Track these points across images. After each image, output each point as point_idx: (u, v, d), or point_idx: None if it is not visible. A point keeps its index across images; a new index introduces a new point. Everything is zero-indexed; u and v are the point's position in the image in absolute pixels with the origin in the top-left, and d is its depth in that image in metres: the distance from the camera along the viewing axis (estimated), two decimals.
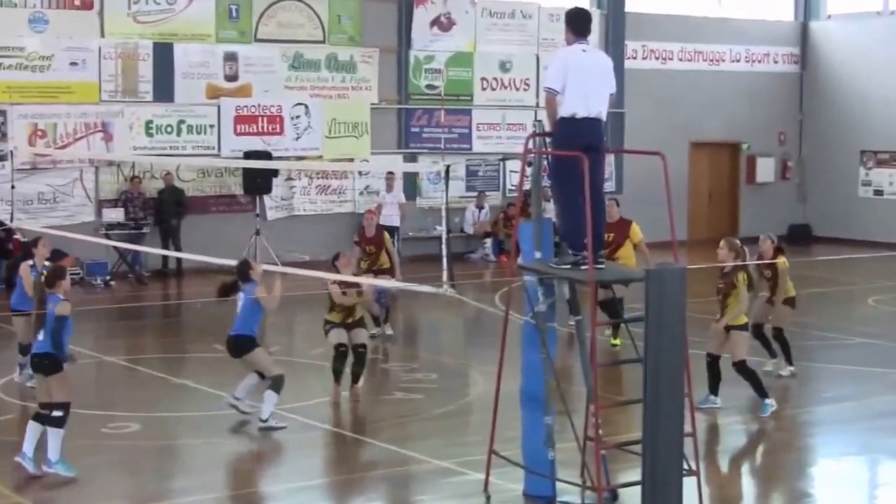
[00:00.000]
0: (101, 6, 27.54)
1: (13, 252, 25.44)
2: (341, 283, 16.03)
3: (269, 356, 15.73)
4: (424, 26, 31.36)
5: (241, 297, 15.13)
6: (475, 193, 31.57)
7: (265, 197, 28.60)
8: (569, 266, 11.56)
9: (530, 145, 12.14)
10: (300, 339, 21.22)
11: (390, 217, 27.50)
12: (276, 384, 14.77)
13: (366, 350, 16.29)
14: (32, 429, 12.83)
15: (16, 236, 25.25)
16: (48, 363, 12.80)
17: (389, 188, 28.82)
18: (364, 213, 23.02)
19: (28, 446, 12.79)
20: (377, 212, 24.58)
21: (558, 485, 11.77)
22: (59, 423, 12.69)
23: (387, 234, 20.19)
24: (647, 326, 8.86)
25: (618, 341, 19.03)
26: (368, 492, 12.89)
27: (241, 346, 14.99)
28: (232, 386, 15.39)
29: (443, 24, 31.62)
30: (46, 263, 15.73)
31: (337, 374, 16.02)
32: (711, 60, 35.93)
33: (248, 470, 13.60)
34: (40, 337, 12.87)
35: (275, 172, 27.85)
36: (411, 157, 30.98)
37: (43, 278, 13.45)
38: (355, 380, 16.13)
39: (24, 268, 16.53)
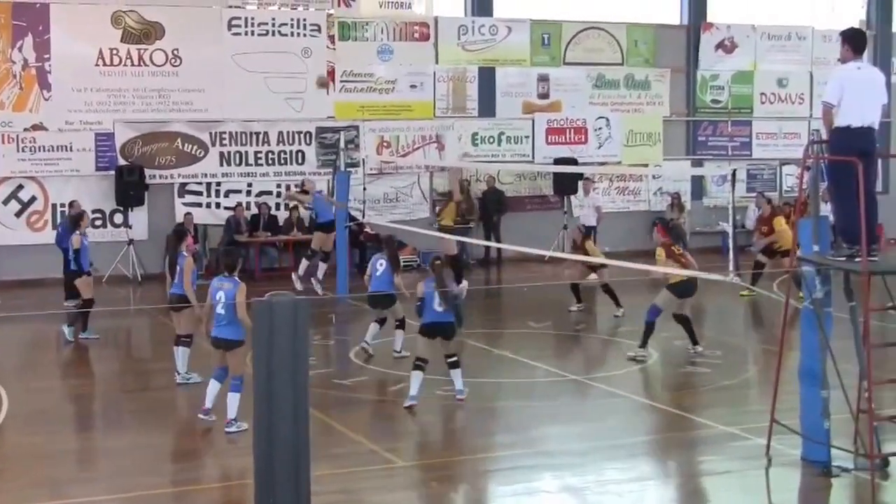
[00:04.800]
0: (436, 38, 28.04)
1: (363, 242, 26.15)
2: None
3: None
4: (710, 49, 30.82)
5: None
6: (755, 194, 30.79)
7: (572, 197, 28.54)
8: (844, 258, 11.20)
9: (809, 152, 11.78)
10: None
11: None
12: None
13: None
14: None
15: (366, 229, 25.96)
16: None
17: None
18: None
19: None
20: None
21: (833, 451, 11.37)
22: None
23: None
24: None
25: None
26: (661, 452, 12.70)
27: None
28: (548, 358, 15.33)
29: (727, 46, 31.03)
30: None
31: None
32: None
33: (558, 430, 13.46)
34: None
35: (580, 176, 27.81)
36: (698, 163, 30.51)
37: None
38: None
39: None
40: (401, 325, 16.81)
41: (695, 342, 17.07)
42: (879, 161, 21.10)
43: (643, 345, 16.69)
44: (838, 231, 11.47)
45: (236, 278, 13.22)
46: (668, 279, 16.60)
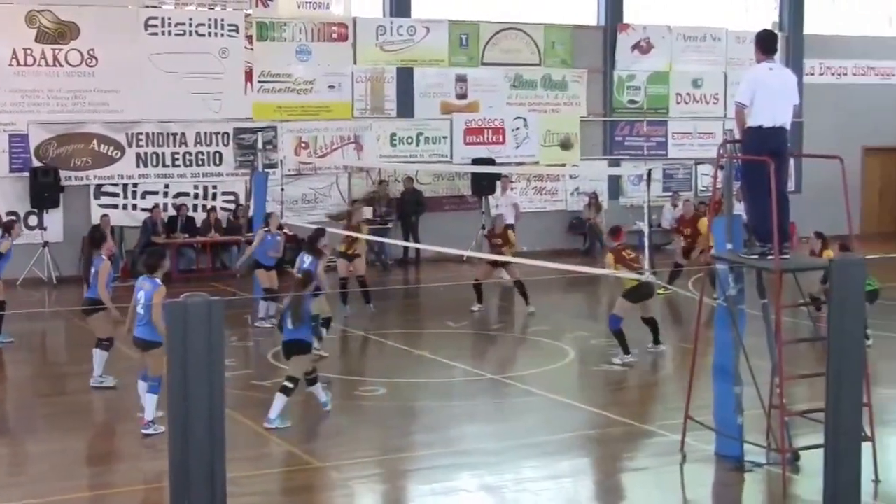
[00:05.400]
0: (354, 38, 27.98)
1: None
2: None
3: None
4: (626, 50, 31.06)
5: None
6: (671, 193, 31.03)
7: (489, 197, 28.61)
8: (756, 256, 11.37)
9: (723, 151, 11.94)
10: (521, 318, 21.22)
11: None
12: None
13: None
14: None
15: (285, 230, 25.78)
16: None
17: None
18: None
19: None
20: None
21: (746, 446, 11.54)
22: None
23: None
24: (831, 310, 8.58)
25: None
26: (578, 449, 12.79)
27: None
28: (465, 357, 15.32)
29: (643, 47, 31.28)
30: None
31: None
32: (883, 75, 34.54)
33: (476, 429, 13.51)
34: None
35: (498, 176, 27.89)
36: (615, 163, 30.75)
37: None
38: None
39: None
40: (325, 323, 16.90)
41: (657, 342, 17.19)
42: (791, 161, 21.45)
43: (626, 351, 16.51)
44: (751, 229, 11.62)
45: (157, 280, 13.23)
46: (625, 285, 16.76)
